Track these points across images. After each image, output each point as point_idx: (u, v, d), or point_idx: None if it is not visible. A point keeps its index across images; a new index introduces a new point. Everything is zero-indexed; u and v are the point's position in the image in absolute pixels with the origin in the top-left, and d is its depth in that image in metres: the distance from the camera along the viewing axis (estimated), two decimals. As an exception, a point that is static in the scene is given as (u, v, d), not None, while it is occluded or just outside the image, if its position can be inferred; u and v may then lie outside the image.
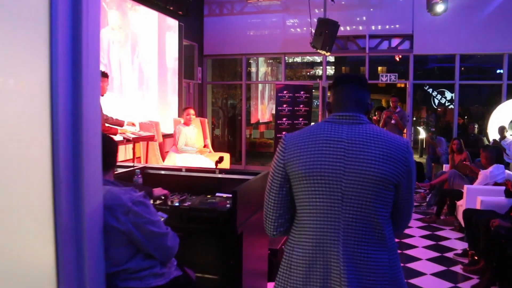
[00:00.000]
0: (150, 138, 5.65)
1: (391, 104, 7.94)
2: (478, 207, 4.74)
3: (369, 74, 9.26)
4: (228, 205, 2.63)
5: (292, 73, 14.29)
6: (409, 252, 4.74)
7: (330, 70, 14.91)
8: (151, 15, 7.49)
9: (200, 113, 9.75)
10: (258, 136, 13.91)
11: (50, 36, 1.42)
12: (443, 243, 5.13)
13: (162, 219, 2.06)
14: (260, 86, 12.80)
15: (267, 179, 1.57)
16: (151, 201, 2.66)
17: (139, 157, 5.98)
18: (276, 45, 9.53)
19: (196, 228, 2.51)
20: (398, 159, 1.43)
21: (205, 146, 6.95)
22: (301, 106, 8.74)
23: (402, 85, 11.61)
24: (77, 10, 1.47)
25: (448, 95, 11.95)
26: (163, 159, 6.30)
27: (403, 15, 8.71)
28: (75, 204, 1.51)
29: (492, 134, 8.62)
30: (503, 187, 4.79)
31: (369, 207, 1.42)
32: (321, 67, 11.26)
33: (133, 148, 5.24)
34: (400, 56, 9.96)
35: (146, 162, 6.12)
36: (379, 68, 12.30)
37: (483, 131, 9.31)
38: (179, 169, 3.38)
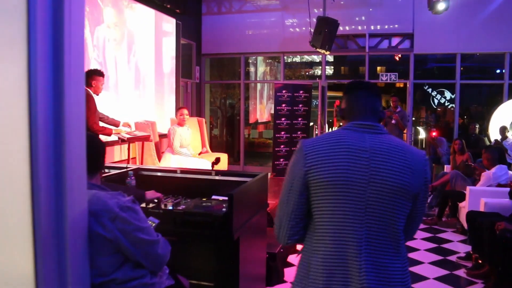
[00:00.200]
0: (146, 138, 5.53)
1: (391, 104, 7.83)
2: (481, 209, 4.63)
3: (369, 73, 9.16)
4: (224, 209, 2.51)
5: (291, 73, 14.18)
6: (412, 255, 4.62)
7: (329, 70, 14.81)
8: (148, 13, 7.37)
9: (198, 113, 9.63)
10: (256, 136, 13.81)
11: (28, 29, 1.30)
12: (446, 245, 5.02)
13: (153, 225, 1.95)
14: (258, 85, 12.69)
15: (283, 186, 1.53)
16: (144, 205, 2.55)
17: (134, 158, 5.86)
18: (275, 44, 9.42)
19: (190, 233, 2.39)
20: (418, 170, 1.46)
21: (200, 153, 6.88)
22: (300, 106, 8.64)
23: (401, 85, 11.52)
24: (59, 2, 1.35)
25: (448, 95, 11.85)
26: (160, 159, 6.19)
27: (403, 13, 8.60)
28: (56, 211, 1.39)
29: (494, 134, 8.52)
30: (507, 189, 4.69)
31: (390, 217, 1.44)
32: (320, 67, 11.17)
33: (128, 149, 5.12)
34: (400, 56, 9.85)
35: (142, 162, 6.00)
36: (379, 67, 12.21)
37: (483, 131, 9.21)
38: (174, 171, 3.26)
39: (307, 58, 15.82)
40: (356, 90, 1.59)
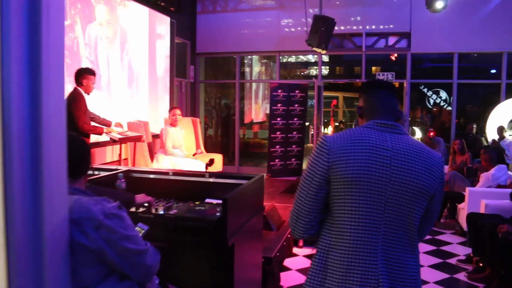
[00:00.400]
0: (138, 139, 5.40)
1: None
2: (482, 211, 4.53)
3: (365, 73, 9.07)
4: (218, 213, 2.38)
5: (286, 73, 14.08)
6: (410, 258, 4.52)
7: (325, 70, 14.74)
8: (141, 11, 7.23)
9: (193, 113, 9.50)
10: (251, 136, 13.70)
11: (1, 24, 1.18)
12: (445, 248, 4.92)
13: (142, 232, 1.82)
14: (254, 85, 12.58)
15: (302, 180, 1.54)
16: (134, 209, 2.42)
17: (127, 159, 5.72)
18: (271, 43, 9.30)
19: (182, 239, 2.26)
20: (436, 172, 1.51)
21: (195, 154, 6.76)
22: (296, 105, 8.51)
23: (397, 85, 11.43)
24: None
25: (443, 94, 11.79)
26: (152, 160, 6.05)
27: (400, 12, 8.51)
28: (33, 218, 1.27)
29: (491, 134, 8.45)
30: (508, 190, 4.60)
31: (408, 216, 1.48)
32: (315, 67, 11.08)
33: (120, 149, 4.99)
34: (397, 55, 9.76)
35: (134, 164, 5.86)
36: (374, 68, 12.13)
37: (480, 131, 9.14)
38: (166, 173, 3.13)
39: (302, 58, 15.73)
40: (375, 89, 1.63)
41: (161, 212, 2.47)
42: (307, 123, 10.36)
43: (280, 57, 9.67)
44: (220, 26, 9.49)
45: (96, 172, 3.07)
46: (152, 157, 6.10)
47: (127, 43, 6.79)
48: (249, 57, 11.90)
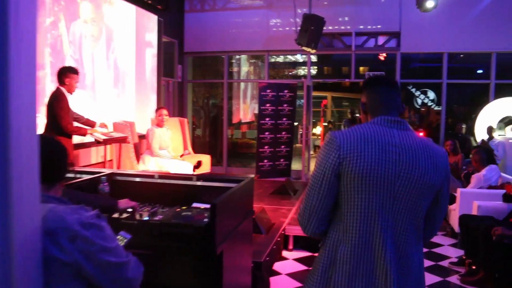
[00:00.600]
0: (123, 140, 5.24)
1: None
2: (474, 212, 4.47)
3: (355, 73, 9.01)
4: (206, 219, 2.26)
5: (274, 73, 13.99)
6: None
7: (313, 70, 14.69)
8: (128, 8, 7.07)
9: (180, 113, 9.35)
10: (240, 137, 13.59)
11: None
12: (436, 250, 4.86)
13: (124, 241, 1.70)
14: (242, 85, 12.46)
15: (312, 178, 1.54)
16: (117, 215, 2.29)
17: (112, 160, 5.55)
18: (259, 42, 9.19)
19: (168, 246, 2.14)
20: (441, 167, 1.54)
21: (182, 155, 6.63)
22: (285, 105, 8.42)
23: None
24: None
25: (431, 94, 11.81)
26: (138, 161, 5.90)
27: (390, 12, 8.46)
28: (0, 230, 1.15)
29: (480, 134, 8.44)
30: (501, 191, 4.55)
31: (416, 210, 1.51)
32: (304, 67, 11.00)
33: (105, 151, 4.83)
34: (386, 55, 9.73)
35: (119, 166, 5.70)
36: (361, 68, 12.10)
37: (468, 131, 9.14)
38: (152, 176, 3.00)
39: (290, 58, 15.66)
40: (378, 85, 1.64)
41: (146, 218, 2.35)
42: (295, 123, 10.27)
43: (269, 57, 9.56)
44: (208, 25, 9.36)
45: (78, 175, 2.93)
46: (138, 158, 5.95)
47: (113, 41, 6.62)
48: (238, 56, 11.79)
